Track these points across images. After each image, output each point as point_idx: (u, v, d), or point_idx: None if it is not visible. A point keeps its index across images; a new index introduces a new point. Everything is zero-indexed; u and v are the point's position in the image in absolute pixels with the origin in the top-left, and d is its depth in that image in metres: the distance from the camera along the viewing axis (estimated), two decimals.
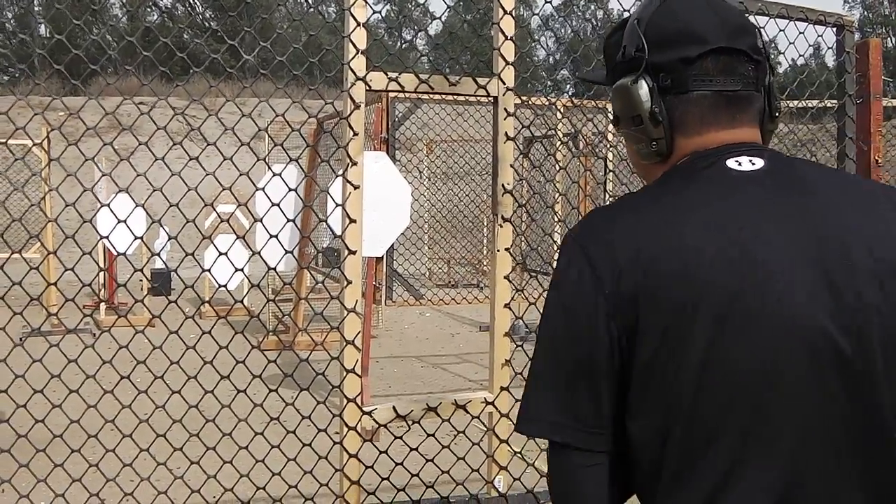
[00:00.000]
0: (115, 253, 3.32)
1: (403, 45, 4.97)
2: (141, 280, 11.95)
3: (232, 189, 3.45)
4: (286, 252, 3.34)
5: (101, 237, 3.23)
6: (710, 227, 1.69)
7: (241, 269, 3.44)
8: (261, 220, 3.23)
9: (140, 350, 3.31)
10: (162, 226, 3.33)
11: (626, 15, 2.17)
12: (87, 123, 3.04)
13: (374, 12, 3.51)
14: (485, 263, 15.50)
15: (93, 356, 3.30)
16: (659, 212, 1.75)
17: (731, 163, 1.79)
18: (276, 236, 3.28)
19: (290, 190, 3.42)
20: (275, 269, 3.48)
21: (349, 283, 3.31)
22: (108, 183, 11.22)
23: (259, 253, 3.37)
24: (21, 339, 3.39)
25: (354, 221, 3.31)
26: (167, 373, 3.37)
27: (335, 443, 3.43)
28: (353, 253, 3.32)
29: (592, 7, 47.97)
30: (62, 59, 3.28)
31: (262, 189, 3.25)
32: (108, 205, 3.14)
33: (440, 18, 3.94)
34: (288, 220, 3.23)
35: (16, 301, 3.24)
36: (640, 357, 1.69)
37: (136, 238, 3.27)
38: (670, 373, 1.66)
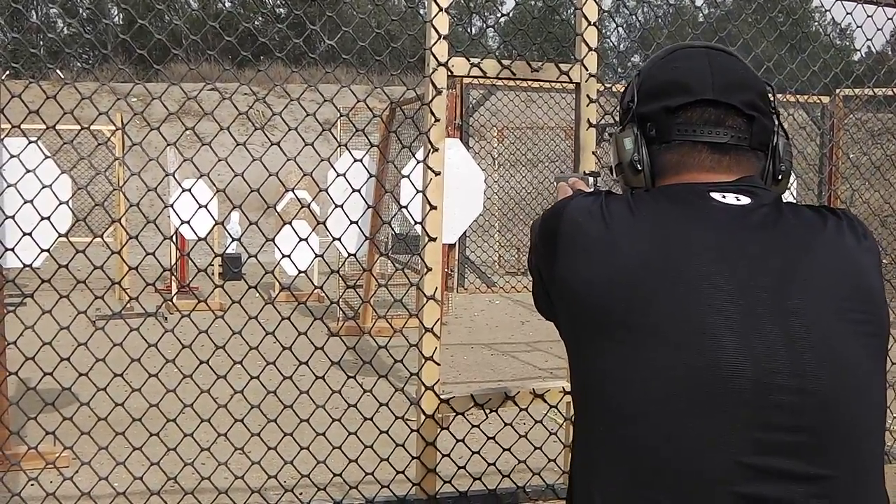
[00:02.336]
0: (195, 238, 3.33)
1: (474, 32, 4.92)
2: (212, 265, 12.06)
3: (303, 176, 3.44)
4: (366, 238, 3.32)
5: (183, 221, 3.24)
6: (688, 248, 1.68)
7: (321, 256, 3.42)
8: (341, 206, 3.21)
9: (214, 335, 3.31)
10: (242, 211, 3.32)
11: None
12: (160, 110, 3.05)
13: None
14: None
15: (167, 340, 3.31)
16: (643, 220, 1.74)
17: (715, 195, 1.76)
18: (355, 222, 3.26)
19: (371, 176, 3.40)
20: (354, 255, 3.46)
21: (429, 270, 3.28)
22: (180, 168, 11.30)
23: (338, 239, 3.33)
24: (97, 323, 3.42)
25: (435, 208, 3.28)
26: (243, 358, 3.38)
27: (412, 430, 3.41)
28: (434, 240, 3.29)
29: None
30: (137, 45, 3.28)
31: (343, 175, 3.23)
32: (190, 190, 3.14)
33: (513, 8, 3.89)
34: (368, 207, 3.21)
35: (87, 285, 3.25)
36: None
37: (216, 223, 3.27)
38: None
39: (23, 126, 3.45)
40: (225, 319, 3.13)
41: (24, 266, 3.38)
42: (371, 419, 3.43)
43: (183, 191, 3.20)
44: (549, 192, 14.52)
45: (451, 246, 8.36)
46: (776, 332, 1.62)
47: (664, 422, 1.61)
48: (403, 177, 3.33)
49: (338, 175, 3.25)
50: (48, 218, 3.12)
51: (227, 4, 40.35)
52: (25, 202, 3.14)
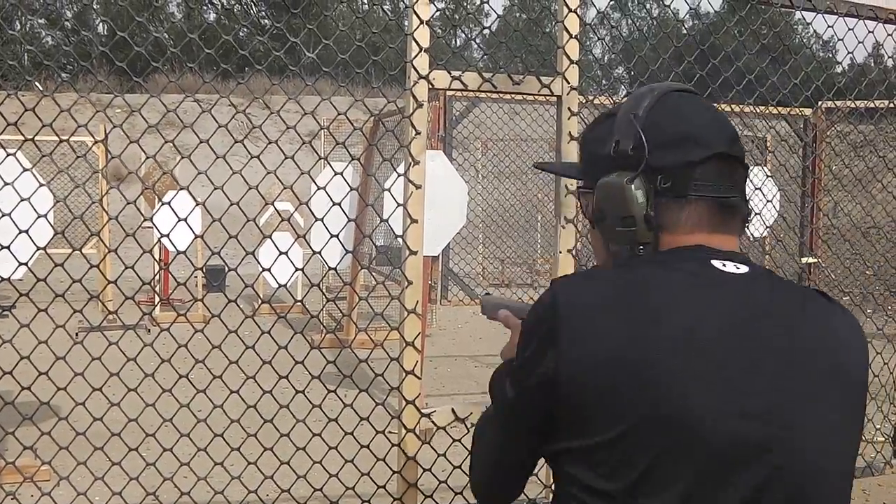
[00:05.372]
0: (175, 251, 3.31)
1: (458, 44, 4.93)
2: (195, 277, 12.03)
3: (286, 188, 3.43)
4: (346, 252, 3.31)
5: (162, 235, 3.22)
6: (698, 321, 1.64)
7: (301, 270, 3.40)
8: (321, 220, 3.19)
9: (196, 348, 3.29)
10: (221, 224, 3.31)
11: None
12: (143, 122, 3.03)
13: (437, 10, 3.46)
14: (538, 263, 15.42)
15: (147, 353, 3.29)
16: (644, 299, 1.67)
17: (716, 263, 1.73)
18: (336, 236, 3.24)
19: (352, 189, 3.39)
20: (335, 269, 3.44)
21: (410, 283, 3.27)
22: (162, 181, 11.28)
23: (319, 252, 3.32)
24: (78, 336, 3.39)
25: (416, 221, 3.27)
26: (223, 372, 3.36)
27: (393, 445, 3.39)
28: (415, 253, 3.28)
29: (648, 5, 47.63)
30: (120, 57, 3.27)
31: (324, 188, 3.22)
32: (170, 203, 3.12)
33: (498, 17, 3.89)
34: (349, 220, 3.20)
35: (69, 297, 3.23)
36: None
37: (196, 236, 3.26)
38: None
39: (2, 138, 3.42)
40: (205, 333, 3.11)
41: (2, 279, 3.36)
42: (352, 433, 3.42)
43: (163, 203, 3.18)
44: (532, 204, 14.55)
45: (435, 258, 8.35)
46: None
47: None
48: (384, 190, 3.33)
49: (318, 188, 3.24)
50: (27, 231, 3.10)
51: (212, 16, 40.33)
52: (3, 215, 3.11)
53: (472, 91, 3.51)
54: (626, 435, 1.58)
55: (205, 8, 41.13)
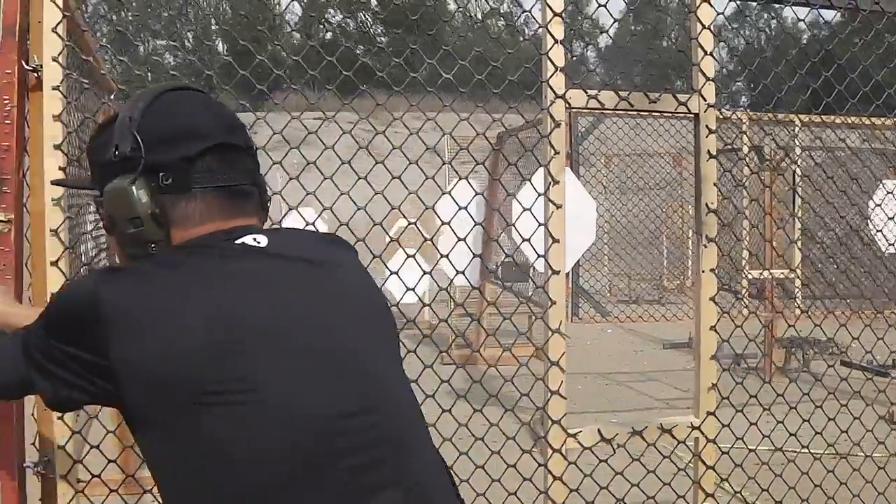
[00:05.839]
0: None
1: (573, 59, 4.91)
2: None
3: (412, 203, 3.45)
4: (474, 257, 3.30)
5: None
6: (248, 293, 1.71)
7: (447, 289, 3.41)
8: (447, 223, 3.21)
9: None
10: (351, 230, 3.34)
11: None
12: (266, 136, 3.10)
13: (557, 15, 3.44)
14: (665, 279, 15.22)
15: None
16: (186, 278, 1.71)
17: (247, 239, 1.79)
18: (461, 239, 3.25)
19: (477, 194, 3.39)
20: (462, 272, 3.45)
21: (553, 303, 3.27)
22: (287, 193, 11.40)
23: (444, 256, 3.34)
24: None
25: (557, 241, 3.27)
26: None
27: (539, 464, 3.38)
28: (557, 273, 3.28)
29: (766, 16, 46.77)
30: (238, 74, 3.33)
31: (448, 193, 3.23)
32: (297, 208, 3.18)
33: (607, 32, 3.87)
34: (475, 224, 3.20)
35: None
36: None
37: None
38: None
39: None
40: None
41: None
42: (498, 453, 3.41)
43: (290, 209, 3.25)
44: (658, 219, 14.38)
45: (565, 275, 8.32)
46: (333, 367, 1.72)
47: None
48: (525, 209, 3.32)
49: (442, 193, 3.26)
50: None
51: (328, 35, 40.94)
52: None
53: (607, 110, 3.51)
54: (195, 416, 1.61)
55: (321, 27, 41.77)
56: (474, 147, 8.09)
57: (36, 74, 2.78)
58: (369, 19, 45.20)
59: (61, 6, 2.79)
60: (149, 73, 3.52)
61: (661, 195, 14.13)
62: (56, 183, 2.39)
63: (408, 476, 1.73)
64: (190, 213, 1.80)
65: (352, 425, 1.68)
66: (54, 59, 2.77)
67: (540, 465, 3.37)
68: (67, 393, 1.72)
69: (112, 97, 3.53)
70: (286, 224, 3.30)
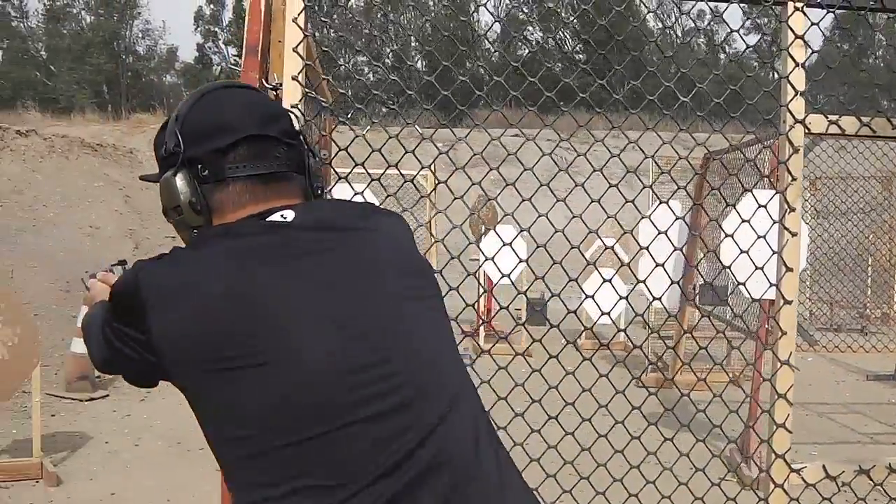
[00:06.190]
0: (502, 278, 3.39)
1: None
2: (518, 309, 12.15)
3: (610, 225, 3.40)
4: (672, 285, 3.24)
5: (486, 258, 3.29)
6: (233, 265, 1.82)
7: (643, 315, 3.35)
8: (646, 248, 3.15)
9: (518, 375, 3.33)
10: (547, 251, 3.32)
11: None
12: (466, 154, 3.11)
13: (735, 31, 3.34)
14: (869, 308, 14.63)
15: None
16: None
17: (276, 217, 1.92)
18: (659, 264, 3.19)
19: (677, 218, 3.32)
20: (661, 302, 3.38)
21: (784, 333, 3.18)
22: (486, 211, 11.51)
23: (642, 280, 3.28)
24: None
25: (791, 270, 3.18)
26: (542, 400, 3.35)
27: (760, 499, 3.28)
28: (790, 303, 3.18)
29: None
30: (437, 92, 3.36)
31: (648, 217, 3.18)
32: (494, 229, 3.17)
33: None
34: (677, 249, 3.13)
35: None
36: None
37: (520, 261, 3.32)
38: None
39: (340, 169, 3.57)
40: (525, 358, 3.13)
41: None
42: (686, 484, 3.32)
43: (487, 230, 3.24)
44: (862, 245, 13.86)
45: (773, 301, 8.09)
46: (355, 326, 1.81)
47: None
48: (761, 237, 3.22)
49: (643, 216, 3.20)
50: None
51: (525, 52, 41.02)
52: None
53: (847, 136, 3.39)
54: (217, 381, 1.76)
55: (520, 44, 41.95)
56: (676, 170, 7.95)
57: (275, 93, 2.86)
58: (568, 37, 45.12)
59: (302, 26, 2.87)
60: (349, 90, 3.59)
61: (866, 220, 13.61)
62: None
63: (425, 424, 1.79)
64: (226, 200, 1.98)
65: (361, 379, 1.77)
66: (294, 78, 2.86)
67: (729, 498, 3.28)
68: (134, 367, 1.95)
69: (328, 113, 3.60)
70: (487, 242, 3.31)
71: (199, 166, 1.98)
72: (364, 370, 1.77)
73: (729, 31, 3.27)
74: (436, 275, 2.08)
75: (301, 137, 2.10)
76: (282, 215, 1.93)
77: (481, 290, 11.66)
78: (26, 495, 6.21)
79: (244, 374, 1.75)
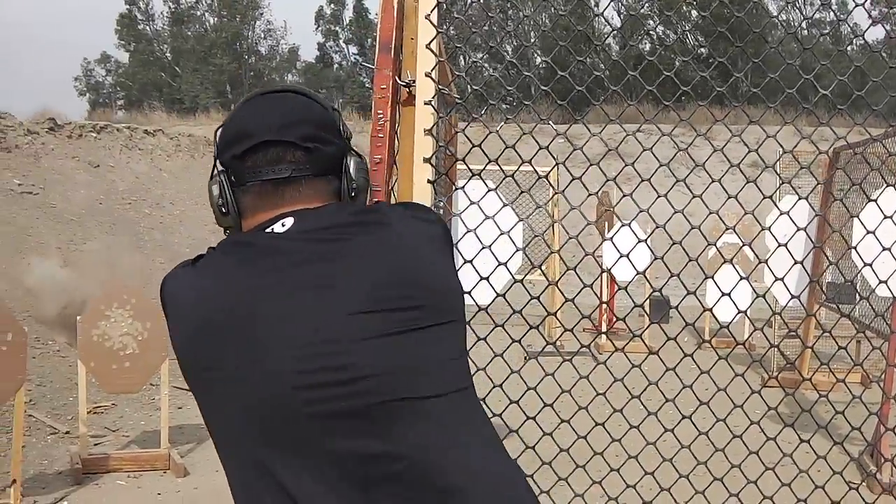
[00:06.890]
0: (625, 277, 3.36)
1: None
2: (640, 311, 11.85)
3: (738, 222, 3.33)
4: (805, 281, 3.15)
5: (604, 269, 3.26)
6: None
7: (780, 313, 3.28)
8: (784, 245, 3.08)
9: (639, 377, 3.33)
10: (683, 248, 3.28)
11: None
12: (591, 150, 3.07)
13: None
14: None
15: (594, 378, 3.32)
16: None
17: (276, 226, 1.96)
18: (800, 262, 3.11)
19: (814, 217, 3.24)
20: (799, 300, 3.30)
21: None
22: (617, 207, 11.36)
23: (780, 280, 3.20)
24: (527, 358, 3.52)
25: None
26: (671, 401, 3.32)
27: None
28: None
29: None
30: (557, 87, 3.33)
31: (785, 212, 3.10)
32: (630, 224, 3.14)
33: None
34: (815, 247, 3.04)
35: (517, 321, 3.32)
36: None
37: (637, 273, 3.29)
38: None
39: (472, 166, 3.57)
40: (659, 355, 3.10)
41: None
42: (822, 487, 3.24)
43: (622, 225, 3.21)
44: None
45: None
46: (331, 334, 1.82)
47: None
48: (855, 217, 3.12)
49: (778, 213, 3.12)
50: (505, 263, 3.22)
51: (647, 47, 40.42)
52: (484, 247, 3.24)
53: None
54: (199, 392, 1.87)
55: (641, 39, 41.40)
56: (806, 163, 7.70)
57: (408, 90, 2.90)
58: (688, 31, 44.38)
59: (435, 23, 2.90)
60: (469, 86, 3.60)
61: None
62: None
63: (393, 437, 1.80)
64: (248, 204, 2.05)
65: (324, 394, 1.79)
66: (427, 75, 2.90)
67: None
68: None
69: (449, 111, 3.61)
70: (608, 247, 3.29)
71: (228, 171, 2.07)
72: (327, 386, 1.80)
73: (859, 24, 3.19)
74: (456, 276, 2.08)
75: (344, 138, 2.13)
76: (282, 224, 1.98)
77: (604, 289, 11.59)
78: (155, 485, 6.41)
79: (214, 386, 1.84)
